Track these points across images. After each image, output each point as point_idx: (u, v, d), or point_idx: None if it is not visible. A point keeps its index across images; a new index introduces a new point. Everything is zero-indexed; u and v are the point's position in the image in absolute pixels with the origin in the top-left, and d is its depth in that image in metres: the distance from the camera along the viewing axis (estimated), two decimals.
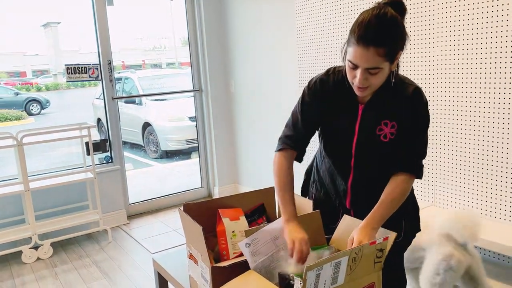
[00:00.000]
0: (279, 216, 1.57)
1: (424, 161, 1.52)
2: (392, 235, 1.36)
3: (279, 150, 1.63)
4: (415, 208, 1.71)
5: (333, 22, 3.16)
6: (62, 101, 11.39)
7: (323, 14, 3.23)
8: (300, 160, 1.65)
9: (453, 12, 2.42)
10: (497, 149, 2.34)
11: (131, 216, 4.21)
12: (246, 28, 4.14)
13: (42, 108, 10.32)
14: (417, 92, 1.45)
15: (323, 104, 1.53)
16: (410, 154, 1.48)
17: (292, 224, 1.46)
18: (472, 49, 2.36)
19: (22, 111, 9.84)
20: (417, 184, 2.77)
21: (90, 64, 3.83)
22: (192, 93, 4.62)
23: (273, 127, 3.97)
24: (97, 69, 3.86)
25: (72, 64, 3.75)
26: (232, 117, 4.57)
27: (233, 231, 1.66)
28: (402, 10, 1.34)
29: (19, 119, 9.47)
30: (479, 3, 2.29)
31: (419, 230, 1.72)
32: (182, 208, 1.70)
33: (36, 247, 3.40)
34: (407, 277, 1.91)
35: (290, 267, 1.39)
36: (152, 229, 3.91)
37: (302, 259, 1.38)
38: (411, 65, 2.67)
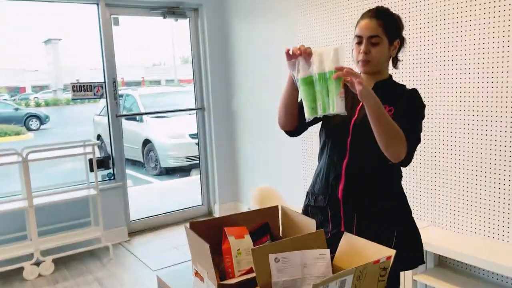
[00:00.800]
0: (284, 237, 1.61)
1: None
2: (394, 254, 1.40)
3: None
4: (414, 232, 1.73)
5: (335, 40, 3.24)
6: (62, 117, 11.43)
7: (324, 32, 3.32)
8: (295, 133, 1.77)
9: (451, 20, 2.51)
10: (497, 170, 2.39)
11: (132, 233, 4.23)
12: (248, 47, 4.23)
13: (42, 123, 10.36)
14: (414, 89, 1.65)
15: None
16: (405, 129, 1.50)
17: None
18: (475, 73, 2.44)
19: (21, 126, 9.88)
20: (416, 203, 2.81)
21: (95, 82, 3.90)
22: (194, 111, 4.69)
23: (275, 146, 4.03)
24: (102, 87, 3.93)
25: (77, 82, 3.82)
26: (234, 135, 4.63)
27: (238, 249, 1.70)
28: (400, 21, 1.67)
29: (19, 134, 9.50)
30: (476, 11, 2.38)
31: (422, 261, 1.73)
32: (188, 225, 1.74)
33: (37, 263, 3.41)
34: None
35: (300, 72, 1.53)
36: (153, 247, 3.93)
37: (306, 51, 1.51)
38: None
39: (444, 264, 2.73)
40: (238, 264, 1.67)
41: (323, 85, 1.47)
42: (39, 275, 3.41)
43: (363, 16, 1.62)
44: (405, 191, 1.75)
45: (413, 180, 2.81)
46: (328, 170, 1.70)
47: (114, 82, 4.00)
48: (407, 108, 1.59)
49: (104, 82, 3.98)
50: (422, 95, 2.56)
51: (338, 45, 1.62)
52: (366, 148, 1.60)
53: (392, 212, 1.67)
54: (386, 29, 1.58)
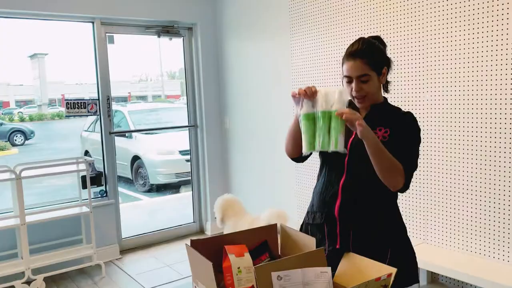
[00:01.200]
0: (282, 255, 1.64)
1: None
2: (394, 271, 1.44)
3: None
4: (408, 250, 1.78)
5: (328, 58, 3.32)
6: (47, 132, 11.29)
7: (318, 51, 3.39)
8: (300, 159, 1.83)
9: (444, 33, 2.60)
10: (489, 187, 2.46)
11: (123, 251, 4.20)
12: (242, 65, 4.30)
13: (27, 138, 10.21)
14: (409, 112, 1.73)
15: None
16: (401, 153, 1.62)
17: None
18: (469, 85, 2.52)
19: (5, 141, 9.73)
20: (408, 221, 2.87)
21: (89, 99, 3.92)
22: (187, 128, 4.71)
23: (267, 164, 4.07)
24: (96, 104, 3.95)
25: (71, 99, 3.82)
26: (226, 153, 4.66)
27: (238, 267, 1.72)
28: (381, 43, 1.74)
29: (3, 150, 9.36)
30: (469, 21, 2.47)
31: (416, 281, 1.78)
32: (189, 243, 1.76)
33: (28, 282, 3.36)
34: None
35: (303, 108, 1.58)
36: (146, 264, 3.90)
37: (311, 91, 1.55)
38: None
39: (436, 281, 2.78)
40: (239, 282, 1.69)
41: (326, 123, 1.54)
42: None
43: (348, 57, 1.66)
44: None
45: (405, 198, 2.87)
46: (326, 188, 1.77)
47: (108, 99, 4.02)
48: (404, 135, 1.66)
49: (98, 99, 3.99)
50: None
51: (341, 87, 1.68)
52: (363, 168, 1.65)
53: (387, 230, 1.72)
54: (372, 65, 1.65)
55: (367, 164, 1.62)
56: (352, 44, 1.69)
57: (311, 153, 1.75)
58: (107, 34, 4.02)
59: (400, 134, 1.66)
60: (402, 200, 2.88)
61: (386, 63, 1.71)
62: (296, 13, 3.57)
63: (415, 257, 1.80)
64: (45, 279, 3.43)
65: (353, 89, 1.66)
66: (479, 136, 2.46)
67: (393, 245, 1.71)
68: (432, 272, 2.77)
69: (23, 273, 3.33)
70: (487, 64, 2.40)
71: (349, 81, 1.67)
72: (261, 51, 4.04)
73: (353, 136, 1.70)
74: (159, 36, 4.30)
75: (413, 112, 2.67)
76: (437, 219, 2.71)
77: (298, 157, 1.83)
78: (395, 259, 1.67)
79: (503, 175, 2.38)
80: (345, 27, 3.16)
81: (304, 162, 1.86)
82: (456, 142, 2.57)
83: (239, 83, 4.36)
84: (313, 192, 1.88)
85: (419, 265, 2.56)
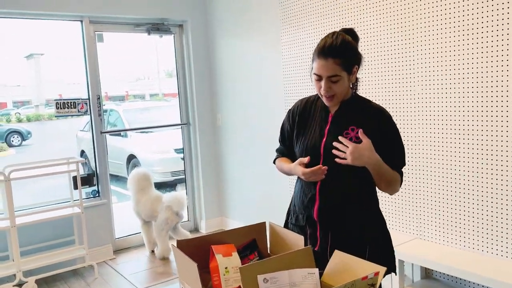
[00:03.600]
0: (271, 253, 1.61)
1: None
2: (382, 270, 1.41)
3: (275, 159, 1.96)
4: (386, 242, 1.78)
5: None
6: (44, 132, 11.25)
7: (308, 47, 3.36)
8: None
9: (425, 36, 2.56)
10: (483, 182, 2.43)
11: (117, 251, 4.17)
12: (233, 62, 4.26)
13: (23, 139, 10.17)
14: (380, 107, 1.71)
15: (301, 118, 1.80)
16: (391, 158, 1.65)
17: (295, 164, 1.71)
18: (460, 83, 2.49)
19: (2, 142, 9.69)
20: (401, 216, 2.84)
21: (79, 99, 3.87)
22: (179, 126, 4.68)
23: (260, 160, 4.04)
24: (86, 103, 3.90)
25: (61, 99, 3.78)
26: (219, 150, 4.63)
27: (226, 267, 1.69)
28: (354, 36, 1.68)
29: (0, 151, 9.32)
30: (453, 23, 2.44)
31: (393, 270, 1.76)
32: (175, 244, 1.72)
33: (20, 285, 3.33)
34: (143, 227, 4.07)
35: None
36: (139, 264, 3.87)
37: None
38: (402, 104, 2.79)
39: (430, 277, 2.76)
40: (226, 283, 1.66)
41: None
42: None
43: (319, 55, 1.61)
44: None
45: (397, 193, 2.84)
46: (304, 192, 1.77)
47: (99, 98, 3.98)
48: (387, 138, 1.66)
49: (88, 98, 3.95)
50: (406, 110, 2.60)
51: None
52: (338, 169, 1.65)
53: (366, 229, 1.72)
54: (343, 66, 1.59)
55: (342, 166, 1.62)
56: (325, 39, 1.63)
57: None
58: (96, 32, 3.98)
59: (382, 138, 1.64)
60: (395, 195, 2.85)
61: (357, 61, 1.66)
62: (286, 8, 3.53)
63: (393, 248, 1.81)
64: (37, 281, 3.40)
65: (322, 88, 1.63)
66: (474, 130, 2.43)
67: (372, 242, 1.71)
68: (426, 268, 2.75)
69: (14, 275, 3.30)
70: (487, 59, 2.37)
71: (319, 79, 1.63)
72: (252, 47, 4.00)
73: (325, 138, 1.69)
74: (149, 34, 4.25)
75: (406, 106, 2.66)
76: (431, 214, 2.69)
77: None
78: (374, 254, 1.68)
79: (498, 170, 2.35)
80: (336, 21, 3.12)
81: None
82: (450, 137, 2.54)
83: (231, 80, 4.32)
84: (294, 191, 1.89)
85: (412, 261, 2.55)
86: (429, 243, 2.69)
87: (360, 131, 1.57)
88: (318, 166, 1.62)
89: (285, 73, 3.63)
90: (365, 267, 1.53)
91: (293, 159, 1.80)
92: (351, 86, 1.72)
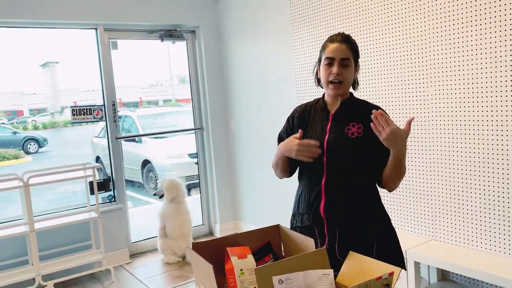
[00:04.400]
0: (286, 255, 1.62)
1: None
2: (397, 271, 1.41)
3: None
4: (392, 238, 1.80)
5: None
6: (60, 139, 11.43)
7: (319, 48, 3.36)
8: (291, 173, 1.92)
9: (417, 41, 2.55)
10: (498, 182, 2.41)
11: (133, 255, 4.21)
12: (245, 66, 4.29)
13: (40, 146, 10.35)
14: (377, 106, 1.76)
15: (301, 120, 1.83)
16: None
17: (289, 138, 1.74)
18: (469, 87, 2.48)
19: (19, 150, 9.86)
20: (416, 218, 2.82)
21: (94, 106, 3.94)
22: (193, 131, 4.72)
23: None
24: (101, 110, 3.97)
25: (77, 106, 3.85)
26: (232, 154, 4.66)
27: (241, 269, 1.70)
28: None
29: (17, 158, 9.48)
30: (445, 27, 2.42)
31: (402, 266, 1.74)
32: (190, 246, 1.75)
33: None
34: None
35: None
36: (155, 268, 3.91)
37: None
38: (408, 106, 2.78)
39: (447, 279, 2.73)
40: (242, 284, 1.68)
41: None
42: None
43: (332, 41, 1.71)
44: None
45: (412, 195, 2.83)
46: (309, 190, 1.78)
47: (114, 104, 4.04)
48: None
49: (104, 105, 4.02)
50: (418, 110, 2.59)
51: None
52: (342, 165, 1.70)
53: (372, 224, 1.74)
54: (353, 53, 1.71)
55: (346, 161, 1.68)
56: (334, 34, 1.75)
57: (297, 167, 1.87)
58: (110, 40, 4.04)
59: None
60: (409, 196, 2.84)
61: (359, 58, 1.77)
62: (297, 11, 3.55)
63: (400, 245, 1.82)
64: (55, 285, 3.46)
65: (334, 72, 1.68)
66: (491, 130, 2.41)
67: (378, 239, 1.73)
68: (442, 269, 2.73)
69: (33, 279, 3.36)
70: (491, 55, 2.35)
71: (330, 63, 1.70)
72: (264, 51, 4.02)
73: (327, 135, 1.72)
74: (162, 40, 4.31)
75: (421, 106, 2.65)
76: (446, 215, 2.67)
77: (286, 177, 1.96)
78: (381, 251, 1.69)
79: None
80: (347, 23, 3.13)
81: None
82: (465, 137, 2.52)
83: (243, 84, 4.35)
84: (296, 194, 1.90)
85: (428, 263, 2.53)
86: (445, 245, 2.67)
87: (406, 124, 1.59)
88: (314, 141, 1.66)
89: (297, 76, 3.64)
90: (380, 268, 1.54)
91: (293, 162, 1.83)
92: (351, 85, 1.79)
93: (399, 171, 1.66)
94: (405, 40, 2.75)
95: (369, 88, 3.01)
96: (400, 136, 1.55)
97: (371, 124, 1.56)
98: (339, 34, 1.74)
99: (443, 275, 2.75)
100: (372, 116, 1.55)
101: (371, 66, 2.97)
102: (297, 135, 1.70)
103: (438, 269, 2.72)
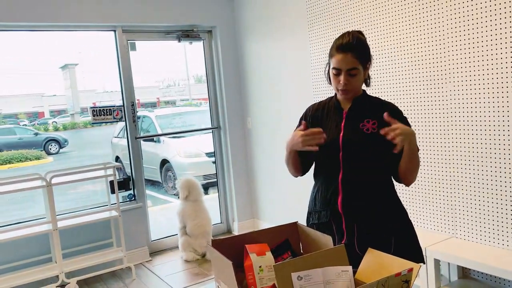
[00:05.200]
0: (304, 252, 1.63)
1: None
2: (416, 267, 1.41)
3: None
4: (411, 233, 1.81)
5: None
6: (80, 140, 11.62)
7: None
8: (304, 171, 1.94)
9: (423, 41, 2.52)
10: None
11: (153, 253, 4.27)
12: (261, 65, 4.30)
13: (61, 147, 10.55)
14: (391, 103, 1.79)
15: (314, 119, 1.86)
16: None
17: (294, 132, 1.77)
18: (479, 81, 2.45)
19: (41, 150, 10.07)
20: (436, 215, 2.80)
21: (114, 106, 4.01)
22: (210, 130, 4.76)
23: None
24: (121, 110, 4.04)
25: (97, 107, 3.92)
26: (250, 153, 4.68)
27: (260, 266, 1.72)
28: (363, 36, 1.77)
29: (39, 159, 9.68)
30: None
31: (421, 261, 1.77)
32: (210, 243, 1.77)
33: (63, 286, 3.47)
34: None
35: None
36: (174, 266, 3.96)
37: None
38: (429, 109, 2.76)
39: (468, 276, 2.70)
40: (261, 281, 1.69)
41: None
42: None
43: (338, 49, 1.69)
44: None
45: (431, 192, 2.80)
46: (326, 186, 1.80)
47: (133, 105, 4.10)
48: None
49: (123, 105, 4.08)
50: (438, 106, 2.57)
51: None
52: (358, 161, 1.72)
53: (389, 219, 1.75)
54: (360, 60, 1.69)
55: (362, 157, 1.70)
56: (342, 37, 1.72)
57: (311, 164, 1.91)
58: (128, 41, 4.10)
59: None
60: (428, 192, 2.82)
61: (370, 58, 1.76)
62: (313, 8, 3.55)
63: (417, 239, 1.83)
64: (78, 282, 3.54)
65: (341, 82, 1.70)
66: (511, 126, 2.38)
67: (397, 233, 1.74)
68: (463, 267, 2.70)
69: (57, 277, 3.44)
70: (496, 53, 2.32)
71: (337, 74, 1.71)
72: (281, 50, 4.03)
73: (342, 132, 1.75)
74: (179, 41, 4.35)
75: (442, 103, 2.62)
76: (467, 212, 2.64)
77: (300, 175, 1.98)
78: (400, 246, 1.70)
79: None
80: (363, 21, 3.11)
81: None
82: (487, 132, 2.49)
83: (260, 83, 4.36)
84: (312, 192, 1.92)
85: (449, 261, 2.51)
86: (465, 242, 2.64)
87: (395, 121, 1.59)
88: (318, 129, 1.67)
89: (314, 75, 3.64)
90: (399, 264, 1.53)
91: (304, 160, 1.87)
92: (363, 82, 1.80)
93: (414, 163, 1.68)
94: (423, 35, 2.73)
95: (384, 83, 2.99)
96: (407, 131, 1.57)
97: (382, 131, 1.57)
98: (345, 37, 1.71)
99: (464, 272, 2.72)
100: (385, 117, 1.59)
101: (388, 62, 2.96)
102: (301, 127, 1.73)
103: (458, 266, 2.69)
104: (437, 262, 2.56)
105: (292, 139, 1.74)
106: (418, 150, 1.67)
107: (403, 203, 1.84)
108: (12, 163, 9.29)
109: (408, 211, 1.85)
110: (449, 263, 2.69)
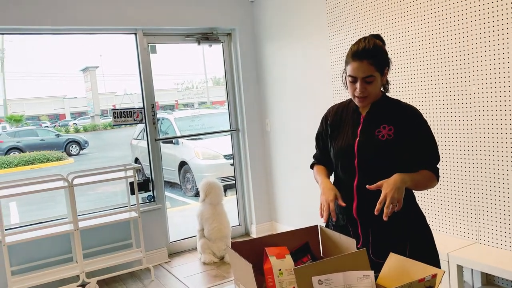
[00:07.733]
0: (324, 255, 1.62)
1: (441, 168, 1.66)
2: (440, 273, 1.38)
3: (312, 164, 2.08)
4: (427, 238, 1.79)
5: None
6: (100, 141, 11.81)
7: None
8: (329, 173, 1.94)
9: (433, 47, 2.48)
10: None
11: (171, 254, 4.30)
12: (280, 68, 4.29)
13: (81, 148, 10.74)
14: (410, 105, 1.76)
15: (333, 122, 1.87)
16: (425, 156, 1.72)
17: (326, 180, 1.83)
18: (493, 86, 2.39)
19: (62, 152, 10.26)
20: (459, 220, 2.74)
21: (134, 108, 4.06)
22: (229, 133, 4.77)
23: (309, 165, 4.02)
24: (141, 112, 4.08)
25: (118, 109, 3.97)
26: (268, 155, 4.67)
27: (279, 269, 1.71)
28: (382, 41, 1.76)
29: (60, 160, 9.87)
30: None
31: (437, 266, 1.74)
32: (230, 245, 1.77)
33: (83, 285, 3.51)
34: None
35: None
36: (193, 267, 3.97)
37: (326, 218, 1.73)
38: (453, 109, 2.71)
39: (492, 283, 2.64)
40: (280, 284, 1.68)
41: None
42: None
43: (353, 57, 1.67)
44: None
45: (454, 197, 2.75)
46: (342, 191, 1.79)
47: (153, 107, 4.14)
48: (417, 134, 1.71)
49: (143, 107, 4.12)
50: (460, 110, 2.53)
51: None
52: (373, 167, 1.71)
53: (405, 224, 1.74)
54: (377, 66, 1.67)
55: (376, 164, 1.70)
56: (357, 43, 1.70)
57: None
58: (149, 44, 4.15)
59: (413, 134, 1.70)
60: (451, 198, 2.76)
61: (388, 63, 1.73)
62: (333, 11, 3.53)
63: (435, 244, 1.81)
64: (98, 282, 3.58)
65: (357, 89, 1.68)
66: None
67: (412, 238, 1.73)
68: (486, 274, 2.63)
69: (78, 276, 3.49)
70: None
71: (353, 81, 1.70)
72: (300, 52, 4.01)
73: (358, 138, 1.75)
74: (199, 44, 4.38)
75: (464, 106, 2.58)
76: (491, 217, 2.58)
77: None
78: (415, 251, 1.68)
79: None
80: (385, 23, 3.08)
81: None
82: (508, 135, 2.43)
83: (278, 85, 4.35)
84: None
85: (472, 267, 2.46)
86: (489, 248, 2.59)
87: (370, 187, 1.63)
88: (333, 210, 1.70)
89: (333, 77, 3.61)
90: (422, 270, 1.51)
91: (328, 163, 1.93)
92: (381, 87, 1.78)
93: (420, 187, 1.75)
94: (444, 39, 2.69)
95: (404, 87, 2.95)
96: (392, 193, 1.58)
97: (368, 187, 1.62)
98: (361, 43, 1.69)
99: (488, 279, 2.66)
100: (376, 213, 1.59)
101: (408, 65, 2.92)
102: (338, 195, 1.73)
103: (482, 273, 2.63)
104: (460, 268, 2.51)
105: (324, 192, 1.78)
106: (416, 184, 1.68)
107: (425, 208, 1.83)
108: (34, 163, 9.49)
109: (430, 216, 1.83)
110: (472, 270, 2.63)
